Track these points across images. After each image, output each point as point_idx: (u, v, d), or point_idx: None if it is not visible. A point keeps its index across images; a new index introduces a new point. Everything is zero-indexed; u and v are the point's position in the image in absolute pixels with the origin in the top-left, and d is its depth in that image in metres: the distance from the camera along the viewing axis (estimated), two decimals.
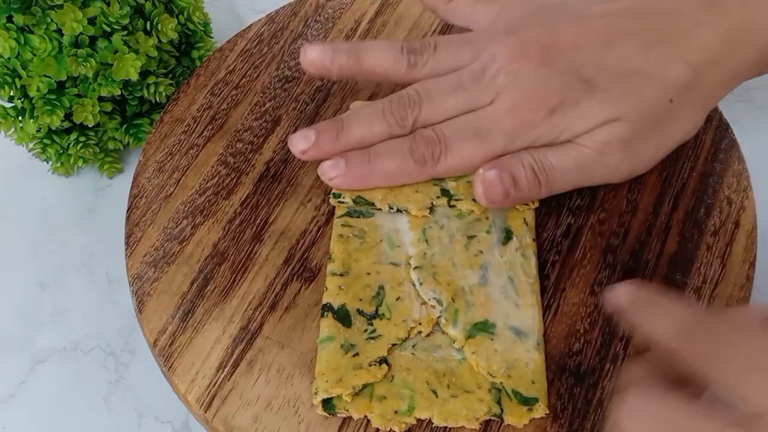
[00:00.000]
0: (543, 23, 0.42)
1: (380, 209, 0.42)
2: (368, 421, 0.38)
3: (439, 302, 0.39)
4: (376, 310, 0.39)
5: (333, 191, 0.43)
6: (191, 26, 0.54)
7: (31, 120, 0.50)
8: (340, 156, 0.42)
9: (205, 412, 0.39)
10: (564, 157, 0.41)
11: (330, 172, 0.42)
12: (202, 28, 0.56)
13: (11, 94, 0.49)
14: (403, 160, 0.41)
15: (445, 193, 0.42)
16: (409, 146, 0.41)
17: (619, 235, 0.43)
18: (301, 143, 0.43)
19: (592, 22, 0.42)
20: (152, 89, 0.52)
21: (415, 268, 0.40)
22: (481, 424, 0.37)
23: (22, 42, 0.47)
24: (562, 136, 0.41)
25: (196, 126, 0.48)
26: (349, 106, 0.48)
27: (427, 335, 0.39)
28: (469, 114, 0.42)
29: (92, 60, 0.48)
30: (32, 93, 0.48)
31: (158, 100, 0.53)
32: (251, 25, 0.53)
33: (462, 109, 0.42)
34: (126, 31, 0.49)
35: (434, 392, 0.37)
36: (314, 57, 0.43)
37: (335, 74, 0.44)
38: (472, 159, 0.41)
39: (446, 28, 0.52)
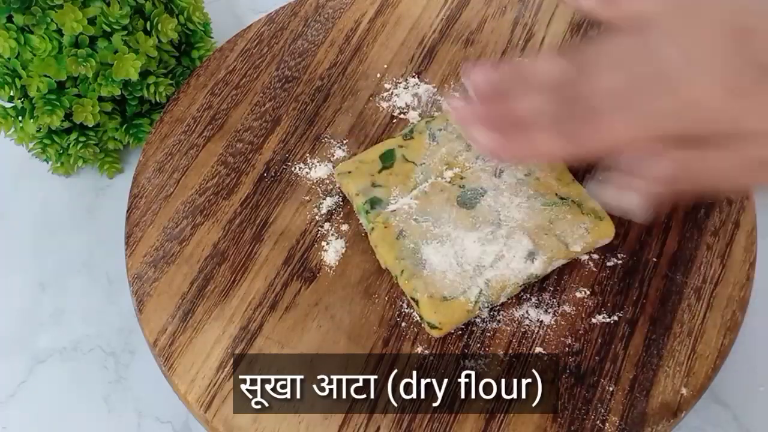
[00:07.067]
0: None
1: None
2: (368, 421, 0.38)
3: None
4: None
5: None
6: (191, 26, 0.54)
7: (31, 120, 0.50)
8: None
9: (205, 412, 0.39)
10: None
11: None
12: (202, 28, 0.56)
13: (11, 94, 0.49)
14: None
15: None
16: None
17: (619, 235, 0.43)
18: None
19: None
20: (152, 89, 0.52)
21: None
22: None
23: (22, 42, 0.47)
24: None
25: (196, 126, 0.48)
26: (351, 105, 0.48)
27: None
28: None
29: (92, 60, 0.48)
30: (32, 93, 0.48)
31: (158, 100, 0.53)
32: (251, 25, 0.53)
33: None
34: (126, 31, 0.49)
35: None
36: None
37: None
38: None
39: (445, 28, 0.52)
